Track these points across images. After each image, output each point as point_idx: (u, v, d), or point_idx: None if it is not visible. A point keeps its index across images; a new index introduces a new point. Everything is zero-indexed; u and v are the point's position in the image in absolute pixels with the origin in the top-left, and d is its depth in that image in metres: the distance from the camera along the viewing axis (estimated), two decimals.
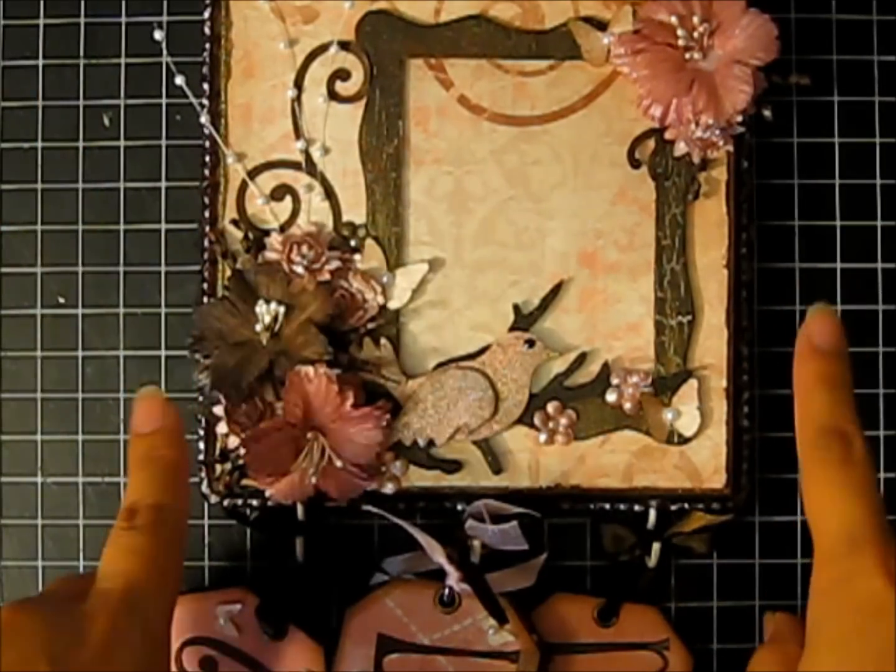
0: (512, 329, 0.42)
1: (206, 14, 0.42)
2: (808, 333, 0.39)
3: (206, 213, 0.42)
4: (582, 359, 0.42)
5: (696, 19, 0.41)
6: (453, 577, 0.42)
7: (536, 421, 0.42)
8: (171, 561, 0.37)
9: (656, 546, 0.43)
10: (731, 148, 0.42)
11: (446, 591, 0.42)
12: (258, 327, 0.41)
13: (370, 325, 0.42)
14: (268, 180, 0.42)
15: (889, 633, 0.33)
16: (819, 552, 0.35)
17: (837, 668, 0.33)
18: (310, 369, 0.40)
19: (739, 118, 0.41)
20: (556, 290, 0.42)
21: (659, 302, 0.42)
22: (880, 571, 0.33)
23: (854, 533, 0.34)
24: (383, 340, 0.42)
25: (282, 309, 0.41)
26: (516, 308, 0.42)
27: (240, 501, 0.42)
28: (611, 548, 0.44)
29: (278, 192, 0.42)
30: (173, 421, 0.39)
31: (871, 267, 0.45)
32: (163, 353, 0.44)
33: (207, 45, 0.42)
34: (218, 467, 0.42)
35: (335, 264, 0.42)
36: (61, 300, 0.45)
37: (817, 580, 0.35)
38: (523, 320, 0.42)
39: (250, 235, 0.42)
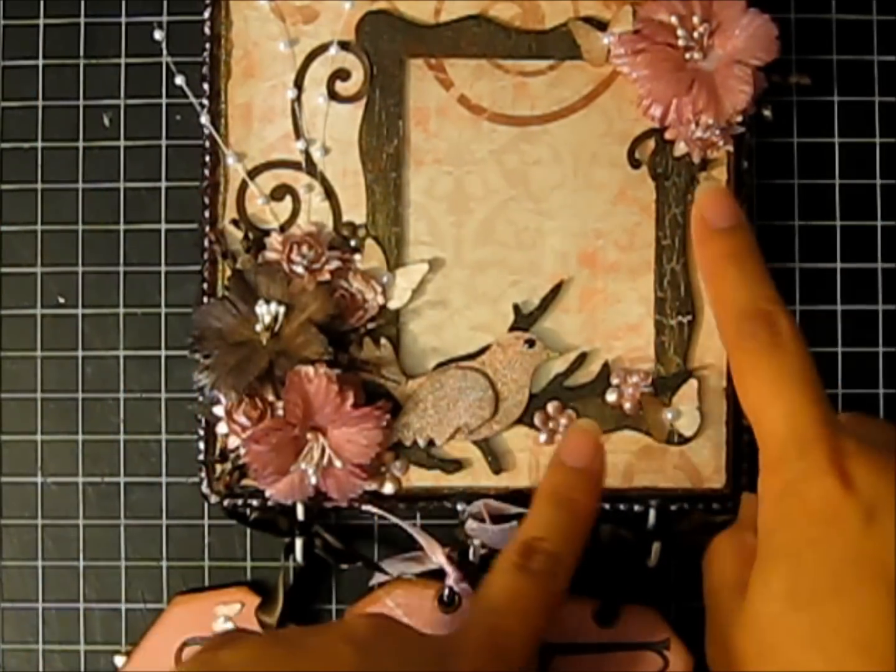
0: (512, 329, 0.42)
1: (206, 14, 0.42)
2: (699, 215, 0.37)
3: (206, 213, 0.42)
4: (582, 359, 0.42)
5: (696, 19, 0.41)
6: (453, 577, 0.42)
7: (536, 421, 0.42)
8: (547, 616, 0.35)
9: (656, 546, 0.43)
10: (731, 148, 0.42)
11: (446, 591, 0.42)
12: (258, 327, 0.41)
13: (370, 325, 0.42)
14: (268, 180, 0.42)
15: (844, 541, 0.31)
16: (765, 454, 0.33)
17: (791, 581, 0.31)
18: (310, 369, 0.40)
19: (739, 118, 0.41)
20: (556, 290, 0.42)
21: (659, 302, 0.42)
22: (833, 472, 0.31)
23: (801, 432, 0.32)
24: (383, 340, 0.42)
25: (282, 309, 0.41)
26: (516, 308, 0.42)
27: (240, 501, 0.42)
28: (611, 548, 0.44)
29: (278, 192, 0.42)
30: (599, 467, 0.37)
31: (871, 267, 0.45)
32: (163, 353, 0.44)
33: (207, 45, 0.42)
34: (218, 467, 0.42)
35: (335, 264, 0.42)
36: (61, 300, 0.45)
37: (767, 485, 0.33)
38: (523, 320, 0.42)
39: (250, 235, 0.42)
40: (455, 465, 0.42)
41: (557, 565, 0.35)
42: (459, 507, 0.42)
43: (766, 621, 0.32)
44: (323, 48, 0.42)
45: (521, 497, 0.42)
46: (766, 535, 0.33)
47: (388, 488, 0.42)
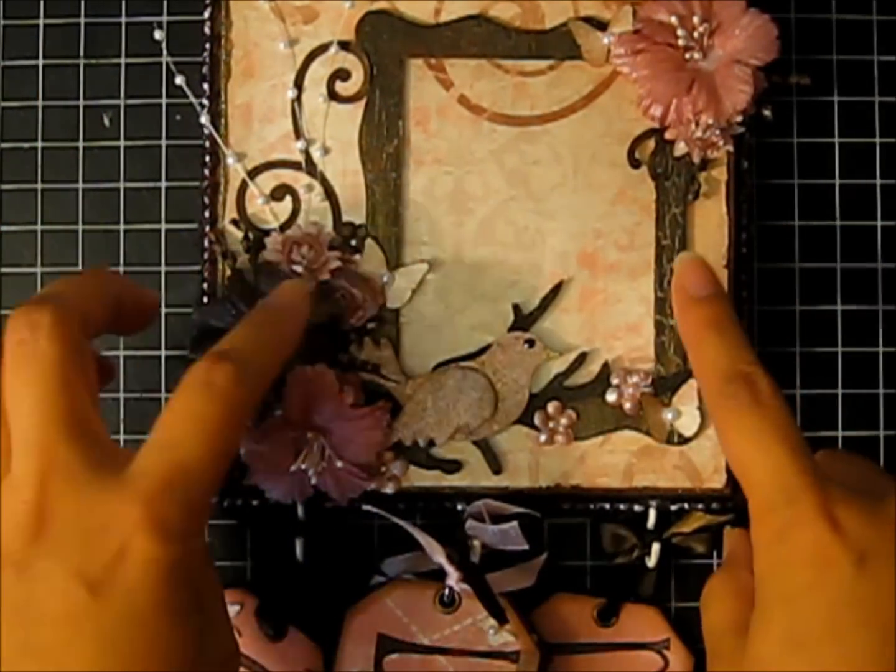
0: (512, 329, 0.42)
1: (206, 14, 0.42)
2: (679, 285, 0.39)
3: (206, 213, 0.42)
4: (582, 359, 0.42)
5: (696, 19, 0.41)
6: (453, 577, 0.42)
7: (536, 421, 0.42)
8: (232, 437, 0.34)
9: (656, 546, 0.43)
10: (731, 148, 0.42)
11: (446, 591, 0.42)
12: None
13: (370, 325, 0.42)
14: (268, 180, 0.42)
15: (837, 585, 0.32)
16: (754, 505, 0.34)
17: (788, 625, 0.32)
18: (310, 369, 0.40)
19: (739, 118, 0.41)
20: (556, 290, 0.42)
21: (659, 302, 0.42)
22: (821, 518, 0.32)
23: (786, 481, 0.33)
24: (383, 340, 0.42)
25: None
26: (516, 308, 0.42)
27: (240, 501, 0.42)
28: (611, 548, 0.44)
29: (278, 192, 0.42)
30: (304, 306, 0.39)
31: (871, 267, 0.45)
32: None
33: (207, 45, 0.42)
34: None
35: (335, 264, 0.42)
36: None
37: (758, 534, 0.34)
38: (523, 320, 0.42)
39: (250, 235, 0.42)
40: (455, 465, 0.42)
41: (244, 374, 0.34)
42: (459, 507, 0.42)
43: (766, 664, 0.33)
44: (323, 48, 0.42)
45: (521, 497, 0.42)
46: (762, 581, 0.33)
47: (388, 488, 0.42)
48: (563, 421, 0.42)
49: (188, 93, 0.43)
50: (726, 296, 0.39)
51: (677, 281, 0.39)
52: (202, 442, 0.33)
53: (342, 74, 0.42)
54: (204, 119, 0.42)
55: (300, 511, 0.42)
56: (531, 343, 0.42)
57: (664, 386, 0.42)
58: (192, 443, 0.33)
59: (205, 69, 0.42)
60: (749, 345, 0.37)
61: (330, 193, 0.42)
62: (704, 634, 0.37)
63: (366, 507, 0.42)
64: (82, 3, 0.45)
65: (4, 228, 0.45)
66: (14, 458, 0.32)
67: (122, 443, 0.44)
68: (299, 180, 0.42)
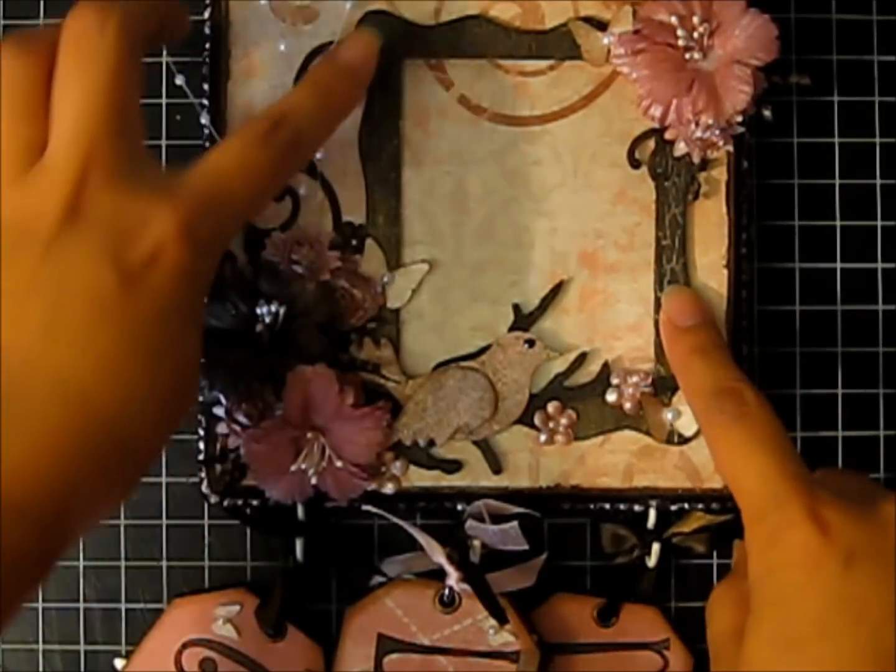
0: (512, 329, 0.42)
1: (206, 14, 0.42)
2: (667, 318, 0.41)
3: None
4: (582, 359, 0.42)
5: (696, 19, 0.41)
6: (453, 577, 0.42)
7: (536, 421, 0.42)
8: (271, 192, 0.36)
9: (656, 546, 0.43)
10: (731, 148, 0.42)
11: (446, 591, 0.42)
12: (258, 327, 0.41)
13: (370, 325, 0.42)
14: None
15: (826, 585, 0.32)
16: (746, 512, 0.35)
17: (779, 625, 0.33)
18: (310, 369, 0.40)
19: (739, 118, 0.41)
20: (556, 290, 0.42)
21: (659, 302, 0.42)
22: (810, 521, 0.33)
23: (775, 487, 0.34)
24: (383, 340, 0.42)
25: (282, 309, 0.41)
26: (516, 308, 0.42)
27: (240, 501, 0.42)
28: (611, 548, 0.44)
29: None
30: (367, 68, 0.39)
31: (871, 267, 0.45)
32: None
33: (207, 45, 0.42)
34: (218, 467, 0.42)
35: (335, 264, 0.42)
36: None
37: (750, 540, 0.34)
38: (523, 320, 0.42)
39: (250, 235, 0.42)
40: (455, 465, 0.42)
41: (300, 143, 0.36)
42: (459, 507, 0.42)
43: (759, 664, 0.33)
44: (323, 48, 0.42)
45: (521, 497, 0.42)
46: (756, 585, 0.34)
47: (388, 488, 0.42)
48: (563, 421, 0.42)
49: (188, 93, 0.43)
50: (713, 324, 0.41)
51: (664, 314, 0.41)
52: (248, 180, 0.34)
53: None
54: (204, 119, 0.42)
55: (300, 511, 0.42)
56: (531, 343, 0.42)
57: (664, 386, 0.42)
58: (238, 177, 0.34)
59: (205, 69, 0.42)
60: (735, 365, 0.38)
61: (330, 193, 0.42)
62: (708, 643, 0.38)
63: (366, 507, 0.42)
64: None
65: None
66: (52, 146, 0.32)
67: None
68: (299, 180, 0.42)
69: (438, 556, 0.42)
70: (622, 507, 0.43)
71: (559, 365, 0.42)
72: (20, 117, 0.32)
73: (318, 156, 0.42)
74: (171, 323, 0.32)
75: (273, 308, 0.41)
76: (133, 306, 0.31)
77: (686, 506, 0.42)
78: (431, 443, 0.42)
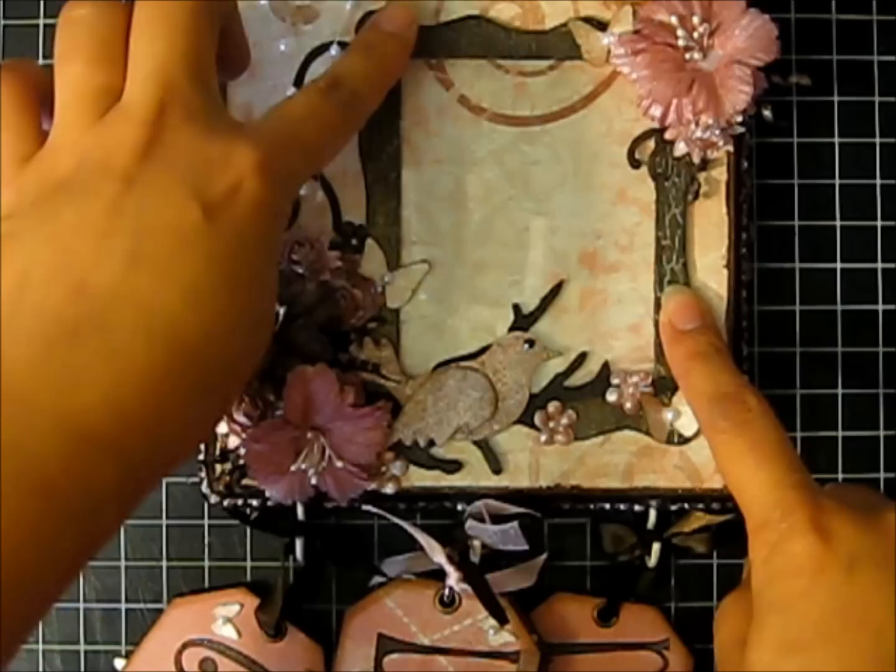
0: (512, 329, 0.42)
1: None
2: (667, 321, 0.41)
3: None
4: (582, 359, 0.42)
5: (696, 19, 0.41)
6: (453, 577, 0.42)
7: (536, 421, 0.42)
8: (336, 144, 0.37)
9: (656, 546, 0.43)
10: (731, 148, 0.42)
11: (446, 591, 0.42)
12: None
13: (370, 325, 0.42)
14: None
15: (829, 591, 0.33)
16: (750, 521, 0.35)
17: (782, 631, 0.33)
18: (310, 369, 0.40)
19: (739, 118, 0.41)
20: (556, 290, 0.42)
21: (659, 302, 0.42)
22: (814, 530, 0.33)
23: (781, 497, 0.34)
24: (383, 340, 0.42)
25: (282, 309, 0.41)
26: (516, 308, 0.42)
27: (240, 501, 0.42)
28: (611, 548, 0.44)
29: None
30: (411, 35, 0.40)
31: (871, 267, 0.45)
32: None
33: None
34: (218, 467, 0.42)
35: (335, 264, 0.42)
36: None
37: (755, 549, 0.35)
38: (523, 320, 0.42)
39: None
40: (455, 465, 0.42)
41: (357, 101, 0.37)
42: (459, 507, 0.42)
43: (762, 669, 0.33)
44: (323, 48, 0.42)
45: (521, 497, 0.42)
46: (759, 593, 0.34)
47: (388, 488, 0.42)
48: (564, 421, 0.42)
49: None
50: (714, 327, 0.41)
51: (664, 316, 0.41)
52: (316, 126, 0.35)
53: None
54: None
55: (300, 511, 0.42)
56: (531, 343, 0.42)
57: (664, 386, 0.42)
58: (307, 123, 0.35)
59: None
60: (736, 369, 0.38)
61: (330, 193, 0.42)
62: (715, 651, 0.38)
63: (366, 507, 0.42)
64: None
65: None
66: (130, 87, 0.33)
67: None
68: None
69: (438, 556, 0.42)
70: (622, 507, 0.43)
71: (559, 365, 0.42)
72: (97, 61, 0.33)
73: None
74: (252, 255, 0.32)
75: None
76: (216, 237, 0.31)
77: (686, 506, 0.42)
78: (431, 443, 0.42)
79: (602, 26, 0.42)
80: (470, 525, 0.42)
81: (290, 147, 0.34)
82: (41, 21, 0.45)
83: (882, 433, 0.45)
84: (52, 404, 0.29)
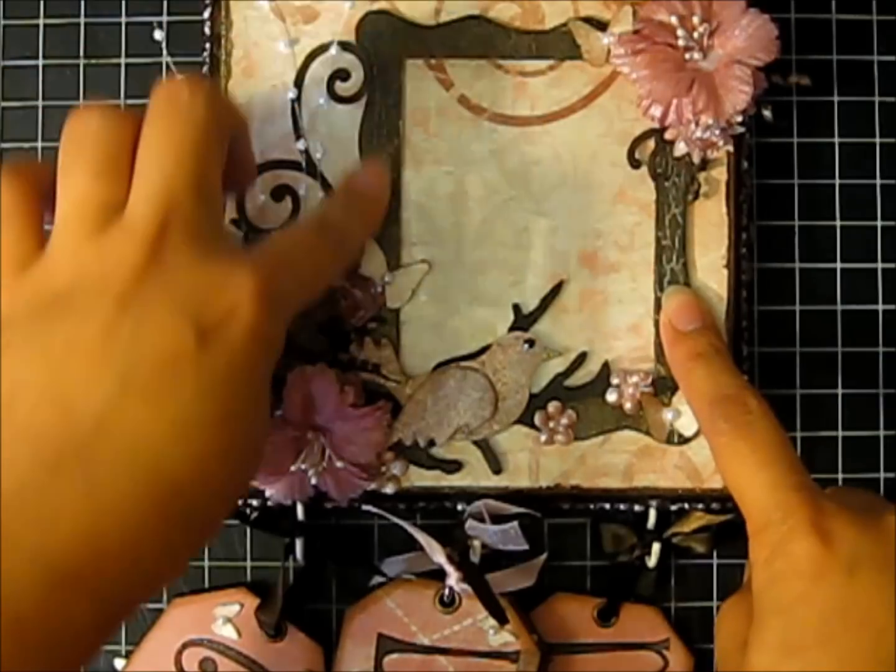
0: (512, 329, 0.42)
1: (206, 14, 0.42)
2: (667, 321, 0.41)
3: None
4: (582, 359, 0.42)
5: (696, 19, 0.41)
6: (453, 577, 0.42)
7: (536, 421, 0.42)
8: (326, 276, 0.38)
9: (656, 546, 0.43)
10: (731, 148, 0.42)
11: (446, 591, 0.42)
12: None
13: (370, 325, 0.42)
14: (268, 180, 0.42)
15: (829, 593, 0.33)
16: (751, 523, 0.35)
17: (782, 633, 0.33)
18: (310, 369, 0.40)
19: (739, 118, 0.41)
20: (556, 290, 0.42)
21: (659, 302, 0.42)
22: (814, 532, 0.33)
23: (782, 499, 0.34)
24: (383, 340, 0.42)
25: None
26: (516, 308, 0.42)
27: (240, 501, 0.42)
28: (611, 548, 0.44)
29: (278, 192, 0.42)
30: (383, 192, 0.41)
31: (871, 267, 0.45)
32: None
33: (207, 45, 0.42)
34: None
35: None
36: None
37: (755, 551, 0.35)
38: (523, 320, 0.42)
39: (250, 235, 0.42)
40: (455, 465, 0.42)
41: (346, 237, 0.38)
42: (459, 507, 0.42)
43: (761, 671, 0.33)
44: (323, 48, 0.42)
45: (521, 497, 0.42)
46: (759, 595, 0.34)
47: (388, 488, 0.42)
48: (563, 421, 0.42)
49: None
50: (714, 328, 0.41)
51: (665, 316, 0.41)
52: (309, 258, 0.36)
53: (342, 75, 0.42)
54: None
55: (300, 511, 0.42)
56: (531, 343, 0.42)
57: (664, 386, 0.42)
58: (301, 254, 0.36)
59: (205, 69, 0.42)
60: (737, 371, 0.38)
61: (330, 193, 0.42)
62: (716, 655, 0.38)
63: (366, 507, 0.42)
64: (82, 3, 0.45)
65: None
66: (133, 203, 0.32)
67: None
68: (299, 180, 0.42)
69: (438, 556, 0.42)
70: (622, 507, 0.43)
71: (559, 365, 0.42)
72: (103, 175, 0.33)
73: (318, 155, 0.42)
74: (243, 386, 0.32)
75: None
76: (208, 367, 0.31)
77: (686, 506, 0.42)
78: (431, 443, 0.42)
79: (602, 26, 0.42)
80: (470, 525, 0.42)
81: (286, 275, 0.34)
82: (41, 21, 0.45)
83: (882, 433, 0.45)
84: (29, 539, 0.29)
